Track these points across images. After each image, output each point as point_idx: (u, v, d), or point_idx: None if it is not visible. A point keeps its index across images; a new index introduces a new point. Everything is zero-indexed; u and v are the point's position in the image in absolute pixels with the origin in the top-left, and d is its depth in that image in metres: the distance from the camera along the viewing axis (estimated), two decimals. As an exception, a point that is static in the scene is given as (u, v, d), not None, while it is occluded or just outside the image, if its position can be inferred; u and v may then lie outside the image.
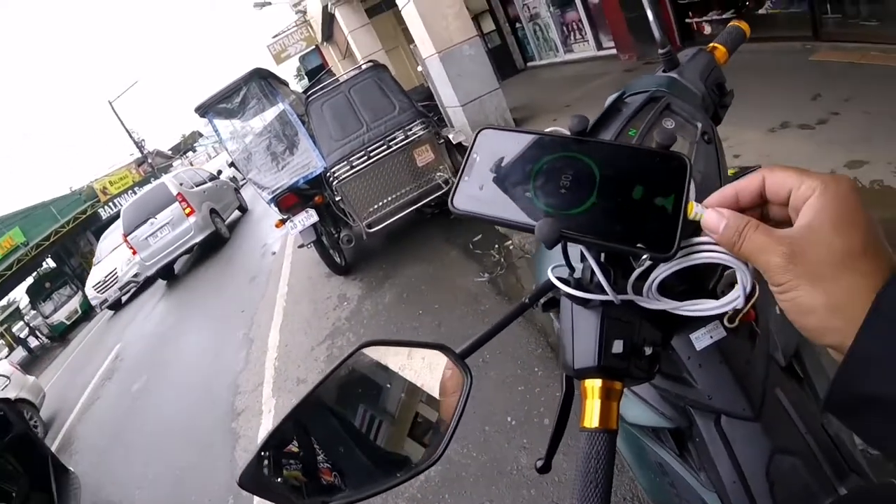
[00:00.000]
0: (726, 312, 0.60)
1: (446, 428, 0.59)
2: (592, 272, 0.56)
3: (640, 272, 0.55)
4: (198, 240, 10.36)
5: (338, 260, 5.21)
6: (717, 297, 0.55)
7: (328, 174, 4.80)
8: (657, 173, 0.53)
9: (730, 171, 0.90)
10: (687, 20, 7.47)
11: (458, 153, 5.01)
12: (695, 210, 0.51)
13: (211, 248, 10.96)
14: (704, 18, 7.24)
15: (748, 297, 0.53)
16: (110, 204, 24.69)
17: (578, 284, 0.57)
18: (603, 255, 0.57)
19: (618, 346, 0.55)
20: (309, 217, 4.80)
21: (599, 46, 10.23)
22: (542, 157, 0.56)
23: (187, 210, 10.35)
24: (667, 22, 7.55)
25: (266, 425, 3.65)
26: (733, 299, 0.53)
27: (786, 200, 0.45)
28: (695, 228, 0.51)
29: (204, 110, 5.06)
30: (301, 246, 5.34)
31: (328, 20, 14.92)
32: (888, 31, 4.98)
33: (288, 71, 33.12)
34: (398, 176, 4.80)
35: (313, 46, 19.34)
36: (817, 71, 4.96)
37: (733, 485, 0.68)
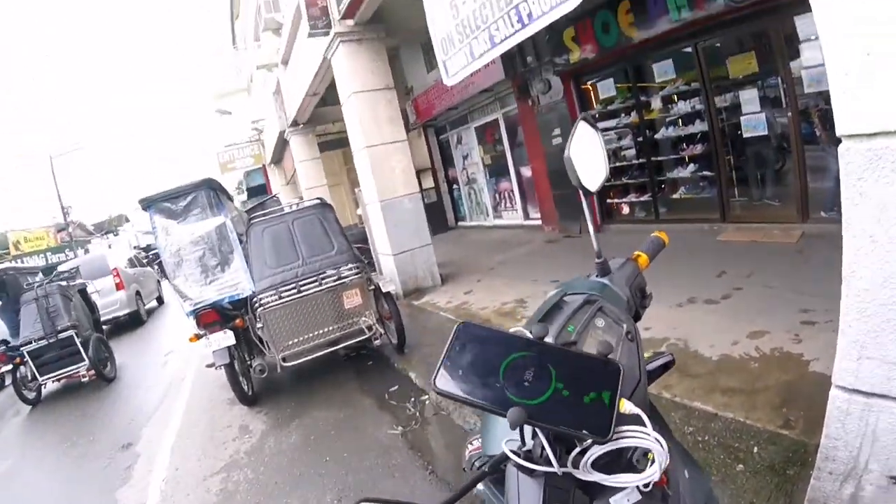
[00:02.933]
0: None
1: None
2: (542, 448, 0.71)
3: (578, 450, 0.72)
4: (122, 313, 11.25)
5: (245, 388, 5.00)
6: (634, 468, 0.73)
7: (255, 299, 4.77)
8: (598, 374, 0.74)
9: (646, 355, 1.06)
10: (608, 200, 8.38)
11: (384, 301, 5.13)
12: (626, 406, 0.73)
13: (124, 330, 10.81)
14: (623, 200, 8.18)
15: (664, 469, 0.71)
16: (17, 260, 22.98)
17: (528, 457, 0.72)
18: (552, 434, 0.72)
19: None
20: (226, 338, 4.68)
21: (526, 216, 11.12)
22: (509, 353, 0.75)
23: (118, 284, 11.30)
24: (590, 202, 8.40)
25: None
26: (651, 473, 0.71)
27: None
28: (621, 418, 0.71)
29: (148, 203, 5.02)
30: (210, 366, 5.12)
31: (281, 144, 15.50)
32: (786, 212, 5.91)
33: (229, 182, 33.38)
34: (323, 314, 4.84)
35: (260, 165, 19.83)
36: (724, 250, 5.67)
37: None
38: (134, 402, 6.48)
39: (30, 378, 7.12)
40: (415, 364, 4.85)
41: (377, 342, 5.12)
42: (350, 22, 7.14)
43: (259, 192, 19.76)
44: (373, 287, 5.09)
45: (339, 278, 4.85)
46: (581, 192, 1.24)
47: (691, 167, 7.00)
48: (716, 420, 2.77)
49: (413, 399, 4.31)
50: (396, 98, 7.67)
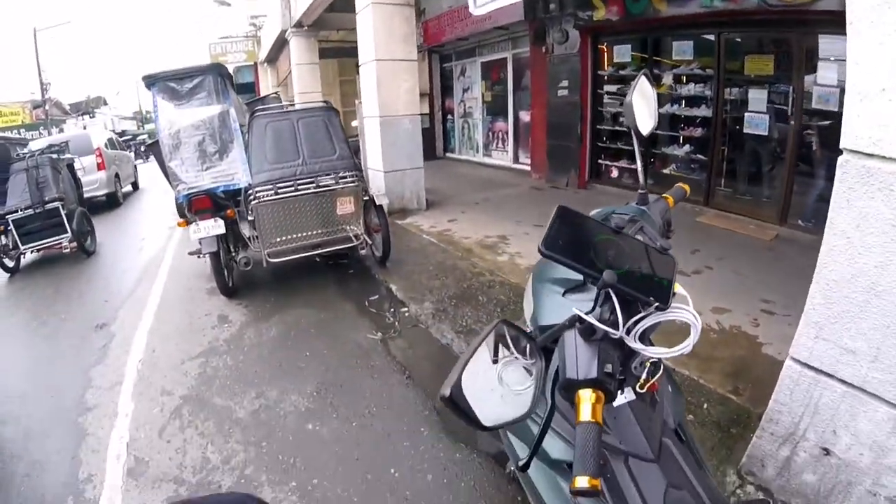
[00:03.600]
0: (638, 379, 0.97)
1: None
2: (610, 313, 0.91)
3: (636, 320, 0.92)
4: (100, 193, 11.27)
5: (227, 279, 5.06)
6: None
7: (249, 191, 4.79)
8: (660, 262, 0.99)
9: None
10: (599, 161, 8.51)
11: (375, 214, 5.22)
12: (678, 288, 0.97)
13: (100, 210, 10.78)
14: (614, 164, 8.31)
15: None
16: None
17: (599, 322, 0.91)
18: (618, 303, 0.92)
19: (608, 368, 0.87)
20: (216, 226, 4.71)
21: (516, 160, 11.19)
22: (599, 235, 0.99)
23: (99, 164, 11.31)
24: (582, 158, 8.56)
25: (121, 430, 3.25)
26: (685, 346, 0.92)
27: None
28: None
29: (152, 81, 4.92)
30: (193, 253, 5.17)
31: (279, 44, 14.98)
32: (767, 211, 6.17)
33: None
34: (315, 217, 4.90)
35: (252, 63, 19.18)
36: (701, 231, 5.96)
37: None
38: (109, 283, 6.42)
39: (11, 246, 7.15)
40: (396, 278, 5.00)
41: (362, 251, 5.23)
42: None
43: (247, 90, 19.14)
44: (366, 197, 5.16)
45: (337, 183, 4.90)
46: (635, 135, 1.48)
47: (686, 148, 7.13)
48: (674, 374, 3.01)
49: (392, 309, 4.48)
50: (414, 16, 7.51)
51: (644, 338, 0.94)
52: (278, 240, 4.86)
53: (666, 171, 7.51)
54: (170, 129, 4.92)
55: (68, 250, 7.42)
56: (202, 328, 4.59)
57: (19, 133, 22.66)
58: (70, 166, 8.72)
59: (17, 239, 7.14)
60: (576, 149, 8.61)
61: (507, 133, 11.41)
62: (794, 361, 1.97)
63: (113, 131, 22.59)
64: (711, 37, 6.57)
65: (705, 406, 2.75)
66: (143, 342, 4.46)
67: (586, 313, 0.91)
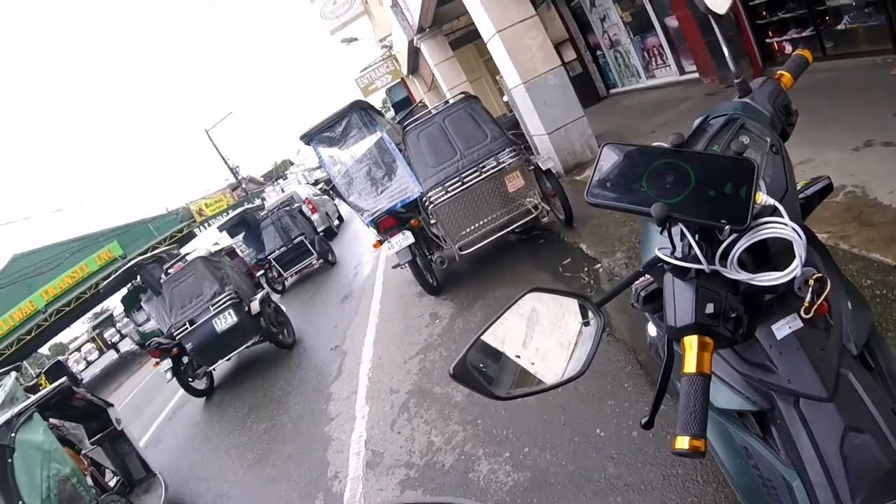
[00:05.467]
0: (801, 302, 0.78)
1: (582, 356, 0.85)
2: (690, 248, 0.79)
3: (724, 246, 0.78)
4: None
5: (430, 280, 5.47)
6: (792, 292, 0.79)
7: (424, 199, 5.11)
8: (734, 172, 0.79)
9: (801, 183, 1.09)
10: (767, 40, 7.41)
11: (546, 179, 5.17)
12: (762, 198, 0.79)
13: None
14: (784, 38, 7.14)
15: (805, 265, 0.76)
16: (204, 225, 26.12)
17: (678, 259, 0.80)
18: (697, 235, 0.79)
19: (709, 308, 0.75)
20: (405, 238, 5.11)
21: (681, 71, 10.18)
22: (651, 163, 0.84)
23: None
24: (747, 44, 7.51)
25: (359, 430, 3.86)
26: (793, 268, 0.76)
27: None
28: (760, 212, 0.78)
29: (309, 138, 5.53)
30: (395, 266, 5.65)
31: (413, 54, 15.54)
32: None
33: (374, 103, 34.46)
34: (490, 201, 5.03)
35: (399, 79, 20.18)
36: None
37: (811, 461, 0.78)
38: (334, 309, 7.46)
39: (276, 276, 10.61)
40: (585, 236, 4.90)
41: (545, 220, 5.25)
42: None
43: (404, 104, 20.19)
44: (532, 167, 5.14)
45: (498, 164, 4.97)
46: (711, 17, 1.22)
47: None
48: (854, 287, 2.52)
49: (586, 268, 4.41)
50: (519, -27, 7.29)
51: (769, 258, 0.81)
52: (464, 233, 5.10)
53: (840, 26, 6.26)
54: (339, 170, 5.46)
55: (316, 265, 10.86)
56: (417, 328, 5.06)
57: (228, 215, 26.54)
58: (301, 211, 11.86)
59: (280, 269, 10.50)
60: (736, 36, 7.57)
61: (661, 47, 10.45)
62: None
63: (307, 183, 25.51)
64: None
65: None
66: (370, 353, 5.15)
67: (669, 253, 0.81)
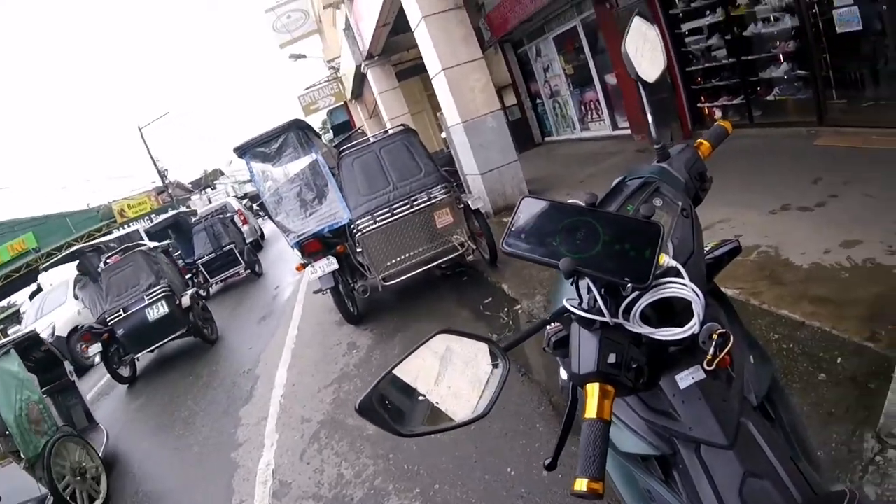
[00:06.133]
0: (705, 355, 0.84)
1: (488, 397, 0.85)
2: (595, 301, 0.83)
3: (627, 302, 0.83)
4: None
5: (351, 309, 5.40)
6: (698, 349, 0.84)
7: (352, 226, 5.08)
8: (641, 234, 0.84)
9: (712, 244, 1.16)
10: (699, 104, 7.90)
11: (475, 218, 5.26)
12: (665, 260, 0.86)
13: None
14: (716, 104, 7.65)
15: (702, 323, 0.81)
16: (124, 226, 24.98)
17: (584, 311, 0.84)
18: (603, 289, 0.84)
19: (611, 358, 0.79)
20: (330, 264, 5.04)
21: (615, 126, 10.69)
22: (564, 219, 0.88)
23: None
24: (680, 107, 8.00)
25: (267, 458, 3.73)
26: (691, 325, 0.81)
27: None
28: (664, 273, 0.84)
29: (242, 151, 5.42)
30: (317, 291, 5.55)
31: (359, 79, 15.61)
32: (888, 114, 5.32)
33: (314, 122, 34.20)
34: (418, 235, 5.05)
35: (341, 102, 20.16)
36: (820, 155, 5.29)
37: None
38: (250, 330, 7.27)
39: (202, 281, 10.66)
40: (507, 277, 5.00)
41: (470, 258, 5.30)
42: (410, -56, 6.99)
43: (344, 128, 20.18)
44: (462, 206, 5.23)
45: (429, 199, 5.01)
46: (639, 84, 1.26)
47: (784, 66, 6.37)
48: (802, 329, 2.73)
49: (506, 309, 4.48)
50: (467, 17, 7.50)
51: (673, 313, 0.85)
52: (388, 264, 5.08)
53: (770, 97, 6.81)
54: (269, 187, 5.35)
55: (243, 276, 11.08)
56: (334, 357, 4.97)
57: (151, 219, 25.54)
58: (233, 220, 12.16)
59: (207, 275, 10.69)
60: (670, 99, 8.08)
61: (598, 101, 10.97)
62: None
63: (236, 196, 25.00)
64: None
65: (839, 360, 2.43)
66: (283, 378, 5.00)
67: (576, 305, 0.85)
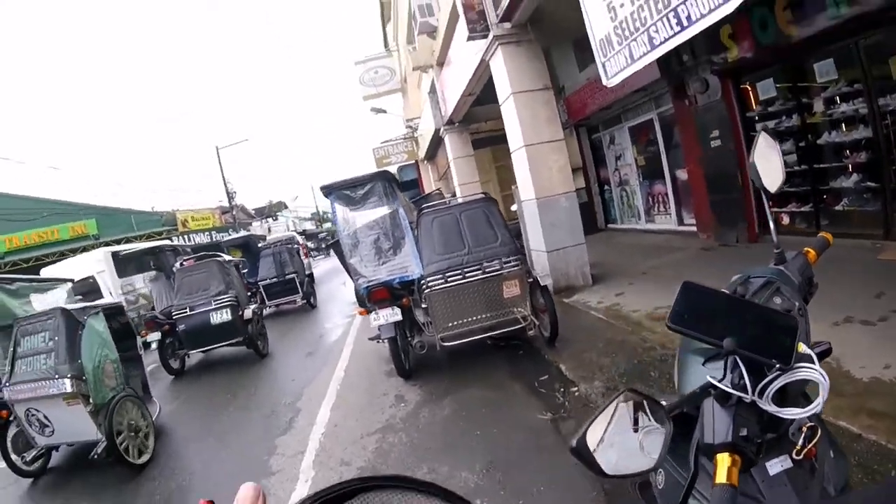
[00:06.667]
0: (793, 445, 0.95)
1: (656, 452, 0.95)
2: (740, 378, 0.96)
3: (765, 382, 0.94)
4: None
5: (404, 362, 5.45)
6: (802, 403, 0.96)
7: (422, 281, 5.19)
8: (781, 324, 0.99)
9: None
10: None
11: (540, 295, 5.33)
12: (802, 347, 0.98)
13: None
14: (783, 210, 7.66)
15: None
16: (184, 237, 25.67)
17: (727, 387, 0.96)
18: (748, 364, 0.96)
19: (744, 432, 0.91)
20: (394, 314, 5.15)
21: (680, 222, 10.71)
22: (720, 304, 1.03)
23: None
24: (748, 210, 8.04)
25: (301, 492, 3.68)
26: (816, 405, 0.92)
27: None
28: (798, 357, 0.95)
29: (329, 191, 5.71)
30: (374, 338, 5.66)
31: (436, 141, 16.16)
32: None
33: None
34: (483, 301, 5.13)
35: (413, 161, 20.84)
36: (884, 269, 5.32)
37: None
38: (295, 362, 7.42)
39: (260, 301, 11.18)
40: (565, 357, 5.00)
41: (530, 332, 5.33)
42: (507, 25, 7.39)
43: (411, 186, 20.74)
44: (531, 279, 5.31)
45: (501, 268, 5.12)
46: (763, 193, 1.48)
47: (855, 177, 6.42)
48: (859, 441, 2.73)
49: (563, 389, 4.45)
50: (553, 98, 7.81)
51: (787, 400, 0.96)
52: (450, 325, 5.15)
53: (838, 207, 6.80)
54: (348, 230, 5.60)
55: (298, 305, 12.07)
56: (381, 406, 4.97)
57: (211, 235, 26.44)
58: (298, 252, 13.00)
59: (265, 297, 11.57)
60: (740, 200, 8.11)
61: (666, 195, 11.06)
62: None
63: (295, 230, 25.85)
64: (850, 48, 6.04)
65: (893, 473, 2.44)
66: (325, 416, 5.01)
67: (719, 380, 0.96)
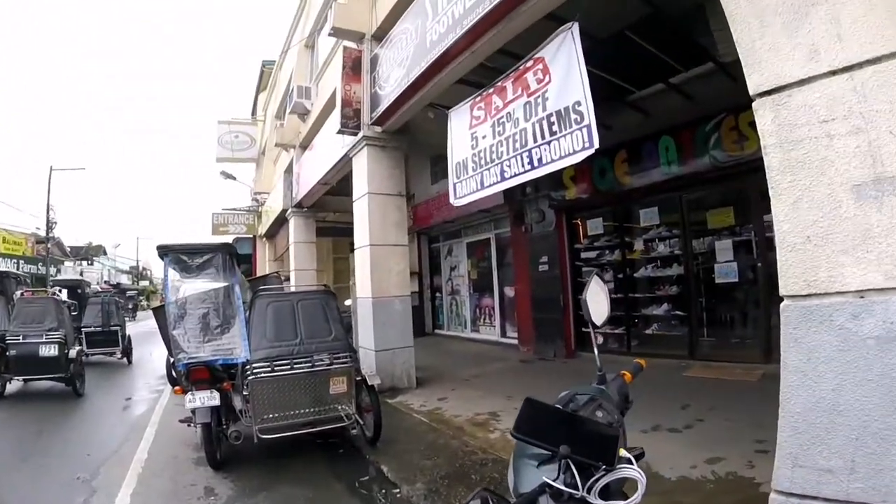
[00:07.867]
0: None
1: None
2: (572, 477, 1.20)
3: (592, 480, 1.20)
4: None
5: (216, 452, 5.02)
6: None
7: (247, 367, 4.95)
8: (606, 433, 1.31)
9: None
10: (584, 329, 8.88)
11: (367, 394, 5.35)
12: (622, 452, 1.27)
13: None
14: (598, 331, 8.54)
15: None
16: None
17: (562, 485, 1.21)
18: (576, 470, 1.21)
19: None
20: (212, 398, 4.82)
21: (503, 334, 11.50)
22: (556, 417, 1.35)
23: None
24: (567, 328, 8.94)
25: None
26: (636, 497, 1.21)
27: None
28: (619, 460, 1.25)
29: (165, 251, 5.40)
30: (184, 421, 5.21)
31: (280, 221, 15.93)
32: (751, 353, 6.52)
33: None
34: (308, 395, 5.00)
35: (251, 235, 20.18)
36: (689, 385, 6.20)
37: None
38: (94, 431, 6.62)
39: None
40: (387, 458, 4.98)
41: (353, 431, 5.25)
42: (378, 129, 7.88)
43: (244, 261, 19.92)
44: (359, 377, 5.32)
45: (331, 363, 5.09)
46: (591, 325, 1.99)
47: (665, 306, 7.63)
48: None
49: (384, 491, 4.41)
50: (405, 205, 8.25)
51: (610, 496, 1.20)
52: (270, 416, 4.91)
53: (648, 331, 7.91)
54: (177, 298, 5.24)
55: (116, 358, 11.91)
56: (187, 499, 4.49)
57: (18, 264, 23.17)
58: (125, 307, 13.32)
59: (86, 344, 11.02)
60: (560, 320, 9.03)
61: (493, 308, 11.86)
62: (778, 493, 2.11)
63: (107, 282, 23.50)
64: (674, 199, 7.42)
65: None
66: (126, 502, 4.39)
67: (553, 480, 1.19)
